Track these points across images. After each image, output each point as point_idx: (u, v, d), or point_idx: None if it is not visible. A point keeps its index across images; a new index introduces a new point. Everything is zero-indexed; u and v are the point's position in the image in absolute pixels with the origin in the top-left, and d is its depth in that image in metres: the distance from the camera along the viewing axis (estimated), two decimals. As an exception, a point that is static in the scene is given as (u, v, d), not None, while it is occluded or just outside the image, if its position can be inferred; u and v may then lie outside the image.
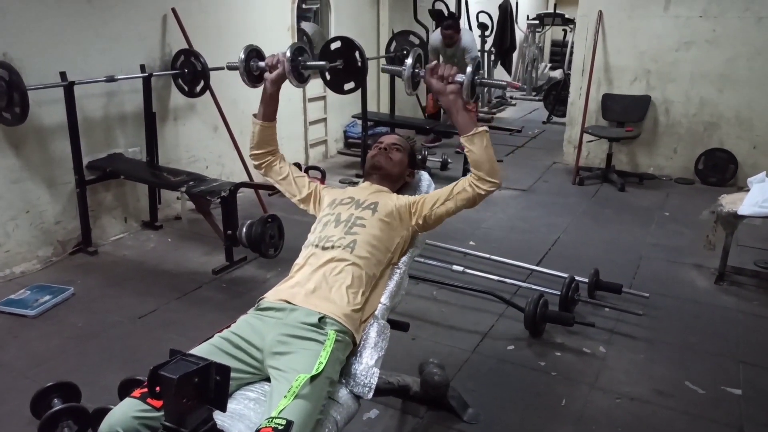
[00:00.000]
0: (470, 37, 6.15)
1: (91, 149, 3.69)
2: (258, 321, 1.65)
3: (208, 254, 3.70)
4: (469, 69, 1.73)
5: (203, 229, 3.86)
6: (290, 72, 1.91)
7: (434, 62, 1.81)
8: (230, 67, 2.02)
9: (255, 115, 2.01)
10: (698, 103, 5.22)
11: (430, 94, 6.48)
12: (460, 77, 1.75)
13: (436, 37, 6.16)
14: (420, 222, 1.92)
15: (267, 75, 1.94)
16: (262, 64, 1.97)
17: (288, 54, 1.89)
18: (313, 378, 1.41)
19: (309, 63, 1.98)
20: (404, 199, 1.96)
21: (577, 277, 3.02)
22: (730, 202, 3.26)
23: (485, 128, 1.79)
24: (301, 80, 1.98)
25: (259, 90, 2.01)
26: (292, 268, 1.83)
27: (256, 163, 2.07)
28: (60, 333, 2.79)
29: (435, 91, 1.80)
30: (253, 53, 1.98)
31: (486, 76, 1.86)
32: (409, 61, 1.80)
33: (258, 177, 3.96)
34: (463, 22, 6.56)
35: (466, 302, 3.11)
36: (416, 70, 1.81)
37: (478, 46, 8.08)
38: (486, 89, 8.33)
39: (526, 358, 2.63)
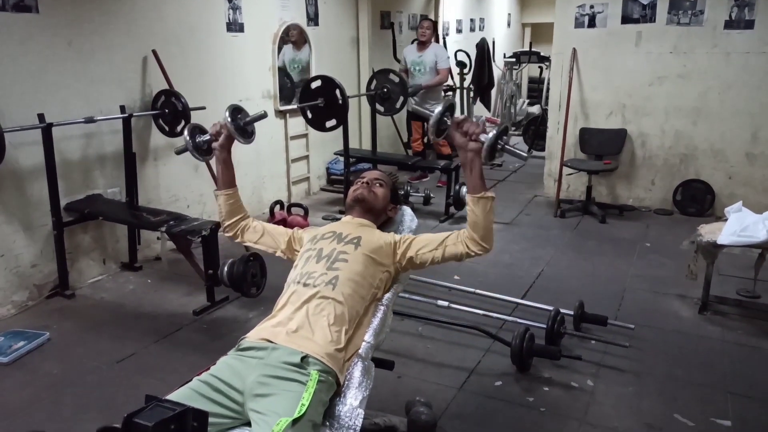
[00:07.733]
0: (441, 49, 6.28)
1: (69, 190, 3.65)
2: (238, 362, 1.61)
3: (188, 295, 3.64)
4: (493, 132, 1.71)
5: (184, 270, 3.80)
6: (234, 132, 1.98)
7: (463, 116, 1.82)
8: (179, 152, 2.11)
9: (216, 190, 2.07)
10: (673, 136, 5.33)
11: (415, 128, 6.57)
12: (483, 137, 1.73)
13: (409, 46, 6.36)
14: (403, 262, 1.91)
15: (214, 144, 2.00)
16: (206, 137, 2.04)
17: (227, 116, 1.98)
18: (295, 421, 1.37)
19: (248, 119, 2.05)
20: (389, 237, 1.96)
21: (562, 310, 3.02)
22: (709, 231, 3.30)
23: (492, 195, 1.78)
24: (246, 137, 2.06)
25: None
26: (275, 306, 1.81)
27: (231, 233, 2.08)
28: (34, 381, 2.70)
29: (457, 144, 1.78)
30: (196, 130, 2.07)
31: (509, 142, 1.86)
32: (438, 108, 1.79)
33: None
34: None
35: (452, 338, 3.07)
36: (444, 118, 1.79)
37: (457, 83, 8.23)
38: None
39: (514, 394, 2.60)
